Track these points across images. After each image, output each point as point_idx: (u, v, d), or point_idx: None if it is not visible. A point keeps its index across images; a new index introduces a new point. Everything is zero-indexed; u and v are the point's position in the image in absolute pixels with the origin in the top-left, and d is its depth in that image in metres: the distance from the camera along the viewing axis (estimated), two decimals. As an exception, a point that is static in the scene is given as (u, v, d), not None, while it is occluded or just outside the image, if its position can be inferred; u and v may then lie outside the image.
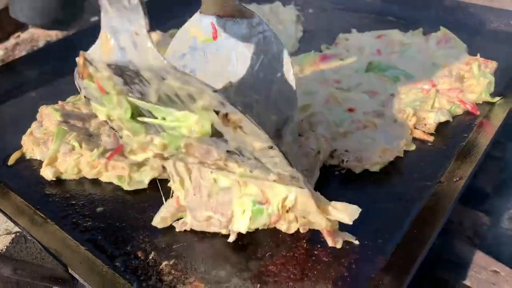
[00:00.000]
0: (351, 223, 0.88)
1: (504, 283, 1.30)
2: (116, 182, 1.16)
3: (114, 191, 1.15)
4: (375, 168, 1.15)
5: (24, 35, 3.17)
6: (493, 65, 1.47)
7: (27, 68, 1.62)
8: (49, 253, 0.90)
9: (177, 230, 1.01)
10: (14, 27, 3.14)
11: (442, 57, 1.51)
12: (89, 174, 1.18)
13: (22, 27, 3.12)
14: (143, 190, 1.14)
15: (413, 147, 1.22)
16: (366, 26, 1.78)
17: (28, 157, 1.27)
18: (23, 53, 2.92)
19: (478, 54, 1.52)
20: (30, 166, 1.24)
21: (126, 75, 0.72)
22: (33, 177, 1.20)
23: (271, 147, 0.77)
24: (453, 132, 1.28)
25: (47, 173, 1.18)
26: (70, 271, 0.88)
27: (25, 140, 1.28)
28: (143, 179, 1.15)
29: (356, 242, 0.94)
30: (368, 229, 1.00)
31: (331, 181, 1.15)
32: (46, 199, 1.13)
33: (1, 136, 1.37)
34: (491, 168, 1.63)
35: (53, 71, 1.63)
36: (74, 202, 1.12)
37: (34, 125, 1.31)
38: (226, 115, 0.73)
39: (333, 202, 0.90)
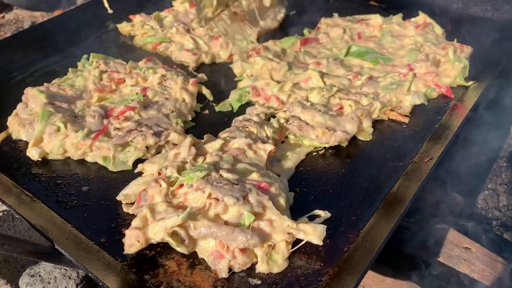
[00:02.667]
0: (321, 243, 0.94)
1: (475, 259, 1.37)
2: (101, 162, 1.18)
3: (99, 171, 1.17)
4: (313, 144, 1.21)
5: (8, 16, 3.14)
6: (468, 50, 1.52)
7: (12, 50, 1.61)
8: (36, 230, 0.94)
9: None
10: (-1, 7, 3.11)
11: (420, 42, 1.55)
12: (75, 155, 1.20)
13: (6, 7, 3.08)
14: (127, 170, 1.17)
15: (368, 138, 1.25)
16: (348, 10, 1.81)
17: (14, 138, 1.28)
18: (8, 34, 2.90)
19: (455, 39, 1.56)
20: (17, 147, 1.26)
21: None
22: (20, 158, 1.22)
23: None
24: (428, 115, 1.33)
25: (33, 153, 1.20)
26: (56, 246, 0.91)
27: (11, 121, 1.29)
28: (127, 159, 1.18)
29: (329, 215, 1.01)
30: (343, 206, 1.06)
31: (312, 160, 1.20)
32: (32, 179, 1.15)
33: None
34: (467, 151, 1.67)
35: (38, 52, 1.63)
36: (60, 181, 1.14)
37: (19, 106, 1.32)
38: None
39: (301, 225, 0.94)
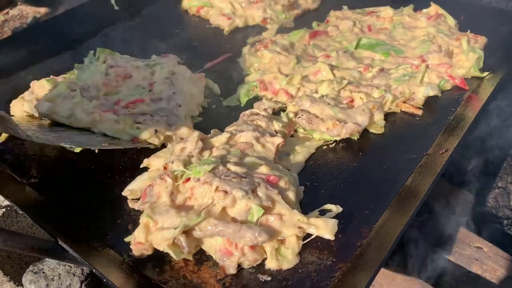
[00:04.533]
0: (333, 238, 0.92)
1: (486, 258, 1.35)
2: (110, 134, 1.19)
3: (102, 167, 1.15)
4: (323, 137, 1.19)
5: (13, 12, 3.14)
6: (482, 40, 1.48)
7: (16, 47, 1.60)
8: (39, 226, 0.91)
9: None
10: (3, 3, 3.11)
11: (432, 33, 1.51)
12: (82, 122, 1.20)
13: (11, 3, 3.09)
14: (130, 167, 1.15)
15: (380, 131, 1.23)
16: (358, 2, 1.79)
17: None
18: (12, 29, 2.91)
19: (468, 30, 1.52)
20: (20, 143, 1.23)
21: None
22: (23, 154, 1.20)
23: None
24: (442, 106, 1.30)
25: (43, 105, 1.21)
26: (60, 242, 0.89)
27: (14, 103, 1.29)
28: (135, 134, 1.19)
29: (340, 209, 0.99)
30: (355, 200, 1.03)
31: (322, 154, 1.17)
32: (35, 174, 1.13)
33: None
34: (479, 150, 1.64)
35: (42, 49, 1.62)
36: (63, 178, 1.12)
37: (26, 93, 1.32)
38: None
39: (312, 219, 0.92)
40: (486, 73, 1.39)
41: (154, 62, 1.42)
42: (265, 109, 1.24)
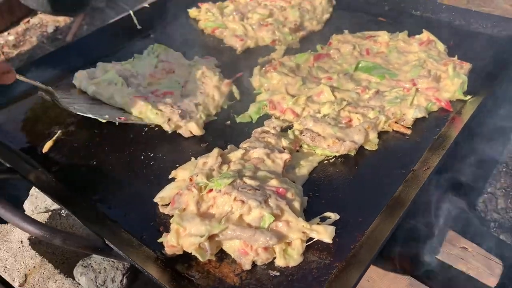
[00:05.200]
0: (331, 241, 1.10)
1: (471, 258, 1.47)
2: (137, 114, 1.49)
3: (135, 176, 1.34)
4: (325, 153, 1.36)
5: (33, 20, 3.30)
6: (467, 66, 1.64)
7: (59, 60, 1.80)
8: (89, 228, 1.10)
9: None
10: (24, 12, 3.27)
11: (423, 58, 1.68)
12: (117, 104, 1.52)
13: (31, 12, 3.25)
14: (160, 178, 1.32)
15: (374, 148, 1.38)
16: (356, 25, 1.96)
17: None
18: (33, 38, 3.07)
19: (456, 56, 1.69)
20: (64, 152, 1.42)
21: None
22: (67, 162, 1.39)
23: None
24: (428, 127, 1.46)
25: (88, 88, 1.56)
26: (106, 242, 1.07)
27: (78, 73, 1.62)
28: (154, 118, 1.47)
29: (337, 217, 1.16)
30: (350, 209, 1.19)
31: (323, 168, 1.34)
32: (80, 180, 1.33)
33: (33, 125, 1.55)
34: (469, 159, 1.78)
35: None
36: (103, 185, 1.31)
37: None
38: None
39: (314, 226, 1.09)
40: (469, 97, 1.55)
41: (195, 63, 1.68)
42: (274, 128, 1.42)
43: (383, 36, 1.81)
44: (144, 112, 1.47)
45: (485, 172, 1.91)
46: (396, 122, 1.46)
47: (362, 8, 2.12)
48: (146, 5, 2.10)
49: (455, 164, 1.79)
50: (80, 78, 1.59)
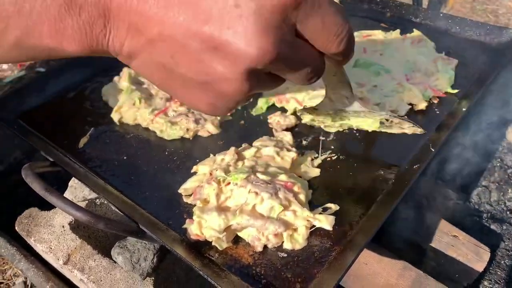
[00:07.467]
0: (331, 229, 1.24)
1: (461, 245, 1.57)
2: (158, 134, 1.60)
3: (163, 174, 1.52)
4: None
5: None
6: (454, 62, 1.81)
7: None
8: (124, 214, 1.29)
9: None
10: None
11: (415, 55, 1.83)
12: (143, 124, 1.63)
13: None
14: (182, 171, 1.50)
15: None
16: (355, 26, 2.09)
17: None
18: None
19: (443, 52, 1.85)
20: (97, 147, 1.59)
21: None
22: (101, 157, 1.55)
23: None
24: (423, 122, 1.59)
25: (115, 116, 1.66)
26: (140, 226, 1.26)
27: (106, 89, 1.79)
28: (174, 134, 1.59)
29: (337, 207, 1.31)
30: (349, 201, 1.32)
31: (326, 164, 1.48)
32: (113, 175, 1.48)
33: (68, 124, 1.68)
34: (464, 153, 1.92)
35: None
36: (133, 179, 1.49)
37: (115, 78, 1.79)
38: None
39: (317, 215, 1.24)
40: (456, 90, 1.71)
41: None
42: (281, 126, 1.60)
43: (378, 35, 1.96)
44: (165, 131, 1.58)
45: (479, 167, 2.03)
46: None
47: (365, 14, 2.28)
48: None
49: (449, 158, 1.92)
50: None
